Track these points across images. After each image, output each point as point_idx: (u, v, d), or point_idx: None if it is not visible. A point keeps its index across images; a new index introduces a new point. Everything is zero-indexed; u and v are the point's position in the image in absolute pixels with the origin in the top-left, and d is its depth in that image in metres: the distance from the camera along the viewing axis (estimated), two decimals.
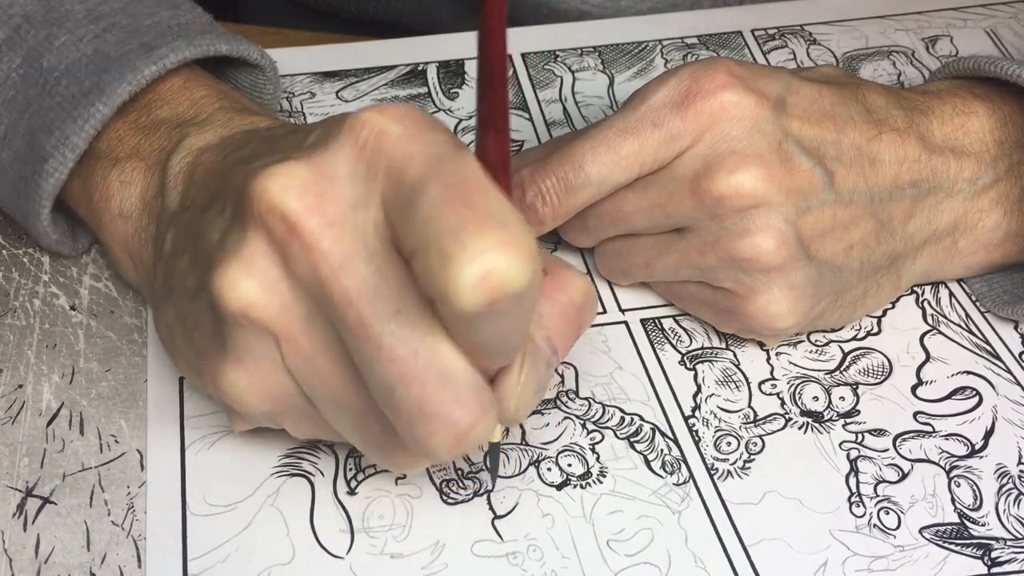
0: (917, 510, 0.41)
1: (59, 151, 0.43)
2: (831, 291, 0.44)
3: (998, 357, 0.46)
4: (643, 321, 0.47)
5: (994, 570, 0.40)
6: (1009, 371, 0.46)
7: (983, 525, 0.41)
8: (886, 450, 0.43)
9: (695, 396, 0.45)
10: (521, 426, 0.43)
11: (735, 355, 0.46)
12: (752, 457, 0.43)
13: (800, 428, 0.44)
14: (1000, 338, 0.47)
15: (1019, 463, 0.43)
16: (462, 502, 0.41)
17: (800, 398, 0.45)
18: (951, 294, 0.48)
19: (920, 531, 0.41)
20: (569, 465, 0.42)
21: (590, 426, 0.44)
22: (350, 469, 0.42)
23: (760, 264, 0.42)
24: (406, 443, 0.34)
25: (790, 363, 0.46)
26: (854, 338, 0.47)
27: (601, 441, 0.43)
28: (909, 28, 0.60)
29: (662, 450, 0.43)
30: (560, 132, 0.54)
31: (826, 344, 0.47)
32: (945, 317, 0.48)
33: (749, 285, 0.43)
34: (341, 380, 0.35)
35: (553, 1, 0.62)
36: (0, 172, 0.45)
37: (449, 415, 0.32)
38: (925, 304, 0.48)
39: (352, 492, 0.41)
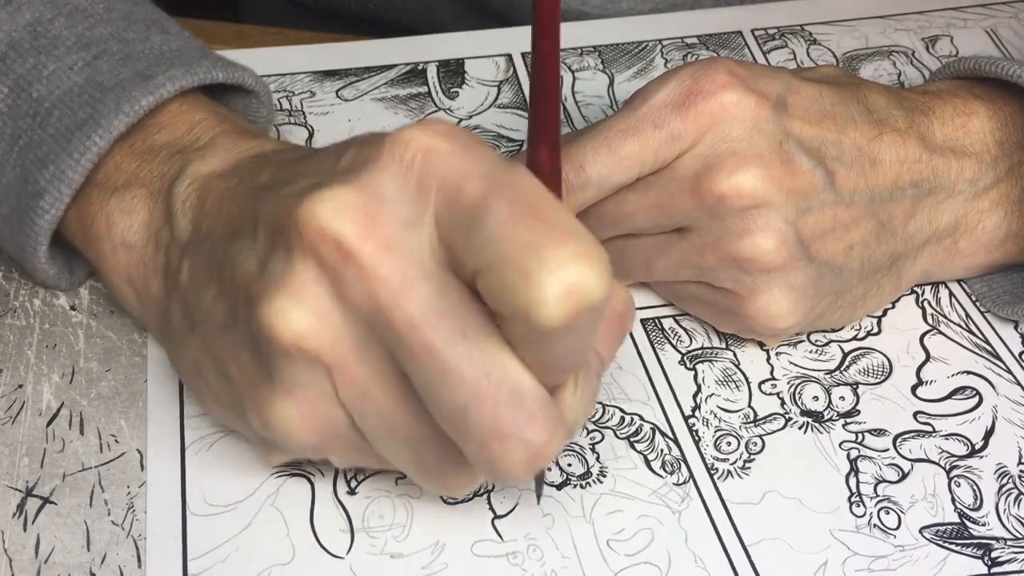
0: (917, 510, 0.41)
1: (54, 186, 0.41)
2: (831, 291, 0.44)
3: (998, 357, 0.46)
4: (643, 321, 0.47)
5: (994, 570, 0.40)
6: (1009, 371, 0.46)
7: (983, 525, 0.41)
8: (886, 450, 0.43)
9: (695, 396, 0.45)
10: None
11: (735, 355, 0.46)
12: (752, 457, 0.43)
13: (800, 428, 0.44)
14: (1000, 338, 0.47)
15: (1019, 463, 0.43)
16: (462, 502, 0.41)
17: (800, 398, 0.45)
18: (951, 294, 0.48)
19: (920, 531, 0.41)
20: (569, 465, 0.42)
21: (590, 426, 0.44)
22: (350, 469, 0.42)
23: (760, 264, 0.42)
24: (475, 465, 0.33)
25: (790, 363, 0.46)
26: (854, 338, 0.47)
27: (601, 441, 0.43)
28: (909, 28, 0.60)
29: (662, 450, 0.43)
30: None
31: (826, 344, 0.47)
32: (945, 317, 0.48)
33: (749, 285, 0.43)
34: (396, 408, 0.34)
35: None
36: None
37: (524, 434, 0.32)
38: (925, 304, 0.48)
39: (352, 492, 0.41)
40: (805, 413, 0.44)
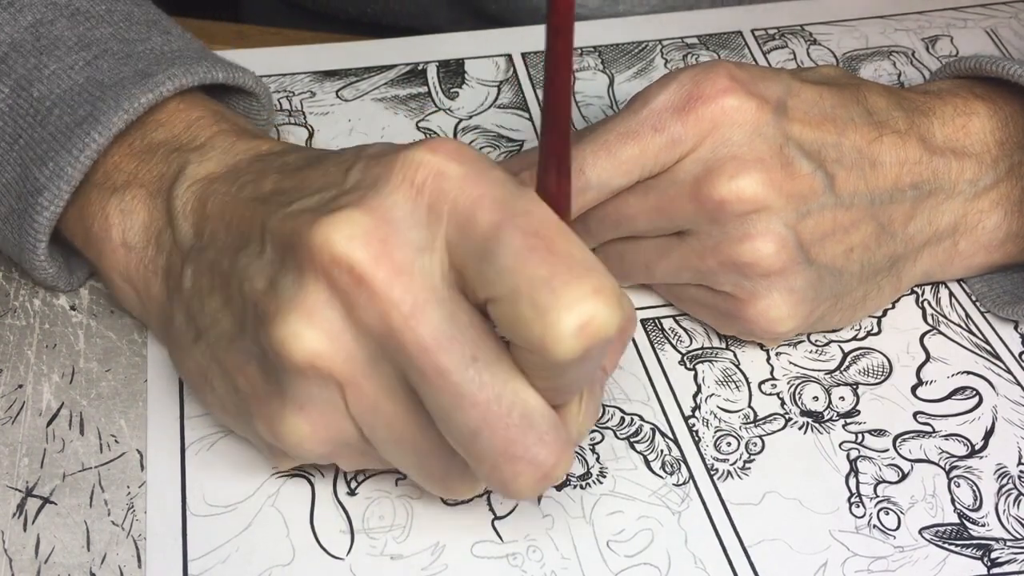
0: (917, 510, 0.41)
1: (53, 183, 0.41)
2: (831, 294, 0.44)
3: (998, 357, 0.46)
4: (643, 321, 0.47)
5: (994, 570, 0.40)
6: (1009, 371, 0.46)
7: (983, 525, 0.41)
8: (886, 450, 0.43)
9: (695, 396, 0.45)
10: None
11: (735, 355, 0.46)
12: (752, 457, 0.43)
13: (800, 428, 0.44)
14: (1000, 338, 0.47)
15: (1019, 463, 0.43)
16: (462, 503, 0.41)
17: (800, 398, 0.45)
18: (951, 294, 0.48)
19: (920, 531, 0.41)
20: None
21: None
22: (351, 470, 0.42)
23: (760, 268, 0.42)
24: (486, 483, 0.34)
25: (790, 363, 0.46)
26: (854, 338, 0.47)
27: (601, 441, 0.43)
28: (909, 28, 0.60)
29: (662, 450, 0.43)
30: None
31: (826, 344, 0.47)
32: (945, 317, 0.48)
33: (749, 289, 0.43)
34: (405, 422, 0.35)
35: None
36: None
37: (534, 456, 0.33)
38: (925, 304, 0.48)
39: (352, 493, 0.41)
40: (805, 413, 0.44)
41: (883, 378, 0.46)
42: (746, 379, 0.45)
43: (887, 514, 0.41)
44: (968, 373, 0.46)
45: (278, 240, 0.35)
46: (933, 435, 0.44)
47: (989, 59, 0.45)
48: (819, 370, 0.46)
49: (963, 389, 0.45)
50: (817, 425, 0.44)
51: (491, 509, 0.41)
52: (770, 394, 0.45)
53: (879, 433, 0.44)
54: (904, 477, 0.42)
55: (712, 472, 0.42)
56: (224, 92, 0.48)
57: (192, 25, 0.54)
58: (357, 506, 0.41)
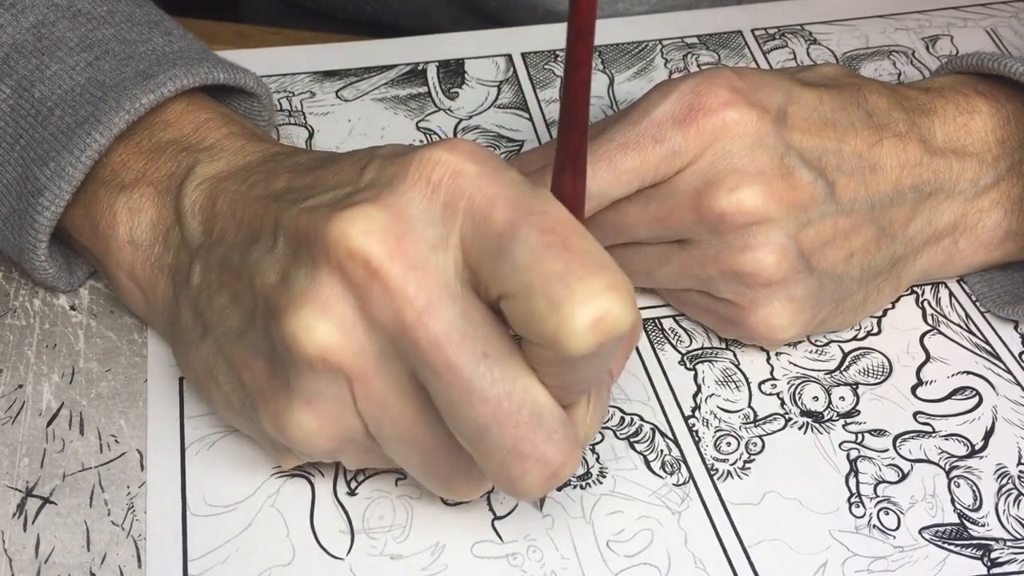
0: (917, 510, 0.41)
1: (55, 183, 0.41)
2: (832, 300, 0.44)
3: (998, 357, 0.46)
4: (643, 321, 0.47)
5: (994, 571, 0.40)
6: (1009, 371, 0.46)
7: (983, 526, 0.41)
8: (886, 450, 0.43)
9: (695, 396, 0.45)
10: None
11: (735, 355, 0.46)
12: (752, 457, 0.43)
13: (800, 428, 0.44)
14: (1000, 338, 0.47)
15: (1019, 463, 0.43)
16: (462, 503, 0.41)
17: (800, 398, 0.45)
18: (951, 294, 0.48)
19: (920, 531, 0.41)
20: None
21: None
22: (350, 470, 0.42)
23: (761, 278, 0.42)
24: (493, 481, 0.34)
25: (790, 363, 0.46)
26: (854, 338, 0.47)
27: (601, 441, 0.43)
28: (909, 28, 0.60)
29: (662, 450, 0.43)
30: None
31: (826, 344, 0.47)
32: (945, 317, 0.48)
33: (750, 298, 0.43)
34: (412, 419, 0.35)
35: (549, 2, 0.62)
36: None
37: (544, 455, 0.33)
38: (925, 304, 0.48)
39: (352, 493, 0.41)
40: (805, 413, 0.44)
41: (883, 378, 0.46)
42: (746, 379, 0.45)
43: (887, 514, 0.41)
44: (968, 373, 0.46)
45: (292, 234, 0.35)
46: (933, 435, 0.44)
47: (991, 56, 0.45)
48: (819, 370, 0.46)
49: (963, 389, 0.45)
50: (817, 425, 0.44)
51: (491, 509, 0.41)
52: (770, 394, 0.45)
53: (879, 433, 0.44)
54: (904, 477, 0.42)
55: (712, 472, 0.42)
56: (225, 93, 0.48)
57: (193, 25, 0.54)
58: (357, 506, 0.41)
